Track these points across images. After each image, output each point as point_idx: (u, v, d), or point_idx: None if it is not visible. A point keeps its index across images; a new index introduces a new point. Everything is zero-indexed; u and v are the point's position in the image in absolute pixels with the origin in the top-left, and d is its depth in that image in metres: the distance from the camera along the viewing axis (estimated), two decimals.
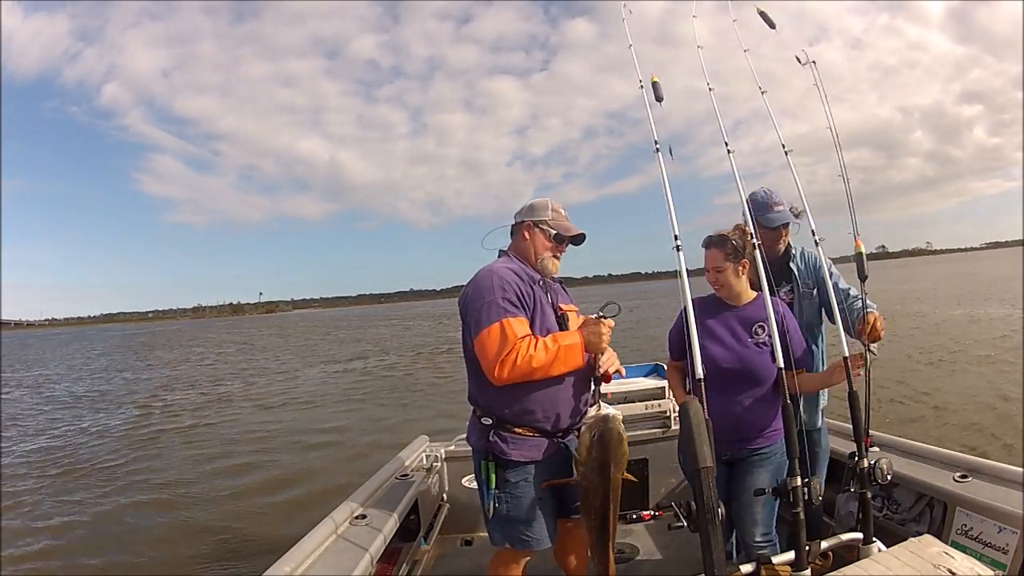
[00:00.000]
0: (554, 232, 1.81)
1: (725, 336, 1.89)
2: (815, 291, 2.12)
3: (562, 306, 1.81)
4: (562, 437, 1.77)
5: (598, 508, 1.62)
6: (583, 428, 1.66)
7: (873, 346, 1.80)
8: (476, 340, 1.64)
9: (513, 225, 1.88)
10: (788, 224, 2.10)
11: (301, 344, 28.06)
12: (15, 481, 6.56)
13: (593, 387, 1.76)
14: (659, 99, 1.84)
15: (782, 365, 1.65)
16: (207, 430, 8.92)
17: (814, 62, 2.08)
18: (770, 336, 1.71)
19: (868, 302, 1.90)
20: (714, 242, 1.90)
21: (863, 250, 1.91)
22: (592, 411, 1.67)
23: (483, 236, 1.93)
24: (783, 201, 2.10)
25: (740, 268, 1.87)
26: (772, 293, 1.77)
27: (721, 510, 1.34)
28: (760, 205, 2.05)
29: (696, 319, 2.07)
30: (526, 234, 1.83)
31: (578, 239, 1.86)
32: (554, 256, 1.83)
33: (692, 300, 1.64)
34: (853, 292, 2.00)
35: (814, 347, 2.11)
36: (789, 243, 2.15)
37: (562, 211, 1.85)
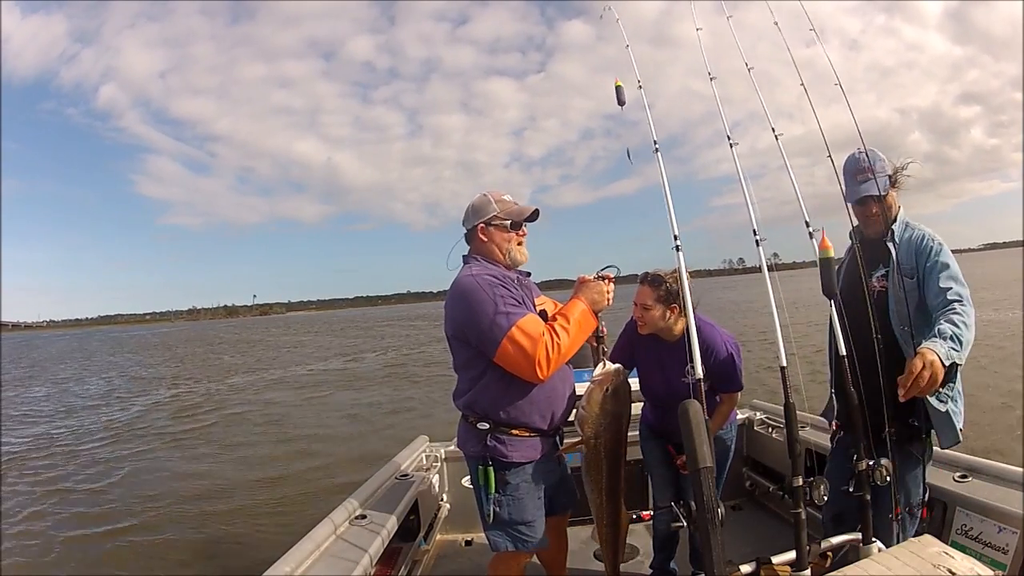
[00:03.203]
0: (508, 221, 1.77)
1: (658, 373, 1.99)
2: (915, 280, 1.65)
3: (537, 302, 1.81)
4: (553, 435, 1.78)
5: (612, 463, 1.60)
6: (590, 385, 1.66)
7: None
8: (498, 355, 1.60)
9: (467, 232, 1.83)
10: (880, 197, 1.70)
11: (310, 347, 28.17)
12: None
13: (596, 345, 1.78)
14: (621, 103, 1.82)
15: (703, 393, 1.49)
16: (215, 429, 9.04)
17: None
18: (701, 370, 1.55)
19: (946, 326, 1.41)
20: (648, 280, 1.93)
21: (831, 254, 1.58)
22: (598, 369, 1.68)
23: (445, 258, 1.85)
24: (871, 166, 1.70)
25: (669, 312, 1.91)
26: (864, 279, 1.67)
27: (721, 510, 1.34)
28: (844, 175, 1.73)
29: (633, 346, 2.09)
30: (482, 236, 1.78)
31: (533, 216, 1.81)
32: (519, 243, 1.80)
33: (627, 323, 1.66)
34: (952, 295, 1.51)
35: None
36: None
37: (506, 197, 1.81)
